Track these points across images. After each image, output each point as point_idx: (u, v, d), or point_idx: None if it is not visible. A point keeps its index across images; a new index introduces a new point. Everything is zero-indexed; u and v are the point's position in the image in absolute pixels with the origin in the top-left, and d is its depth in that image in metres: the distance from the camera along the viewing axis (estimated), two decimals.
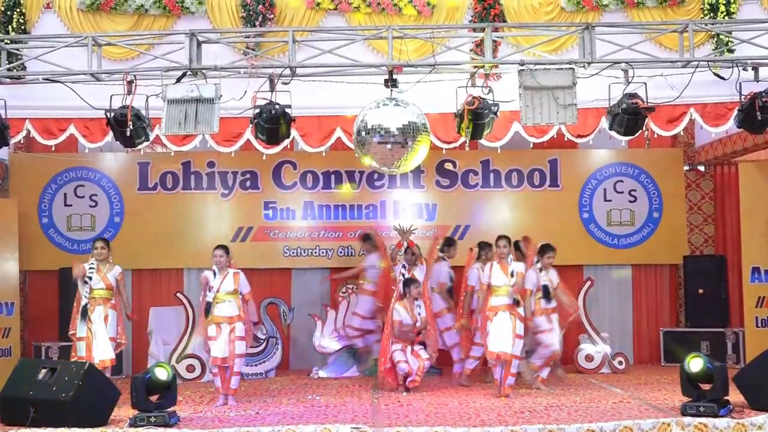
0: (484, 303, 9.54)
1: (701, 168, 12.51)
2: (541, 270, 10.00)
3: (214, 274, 9.18)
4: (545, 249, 10.14)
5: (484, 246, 10.56)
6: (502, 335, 9.21)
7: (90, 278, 9.04)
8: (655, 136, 10.10)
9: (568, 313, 10.49)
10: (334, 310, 11.45)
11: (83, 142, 9.82)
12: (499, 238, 9.60)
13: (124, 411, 8.19)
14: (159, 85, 8.31)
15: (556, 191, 12.38)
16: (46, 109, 9.50)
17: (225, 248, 9.37)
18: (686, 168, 12.49)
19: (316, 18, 9.64)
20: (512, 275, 9.35)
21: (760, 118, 8.32)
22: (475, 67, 8.70)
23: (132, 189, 12.19)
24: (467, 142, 9.27)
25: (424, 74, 8.61)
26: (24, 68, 8.95)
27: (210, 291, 9.13)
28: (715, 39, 9.28)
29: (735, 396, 8.08)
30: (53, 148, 10.04)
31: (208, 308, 9.11)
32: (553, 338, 9.89)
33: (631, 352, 12.24)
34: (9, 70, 8.74)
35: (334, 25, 9.48)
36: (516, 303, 9.32)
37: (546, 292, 9.96)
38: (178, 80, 8.37)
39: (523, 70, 8.29)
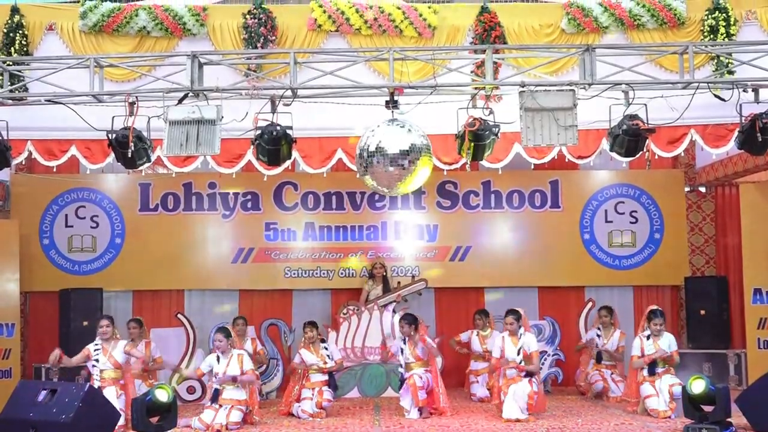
0: (495, 373, 9.46)
1: (702, 189, 12.51)
2: (648, 337, 9.37)
3: (218, 359, 8.95)
4: (653, 315, 9.46)
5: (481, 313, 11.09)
6: (518, 400, 8.83)
7: (97, 360, 8.74)
8: (656, 157, 10.12)
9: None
10: (334, 330, 11.39)
11: (85, 164, 9.85)
12: (508, 313, 9.37)
13: None
14: (161, 107, 8.32)
15: (557, 212, 12.37)
16: (47, 130, 9.52)
17: (226, 331, 9.11)
18: (687, 189, 12.49)
19: (318, 40, 9.67)
20: (519, 352, 9.06)
21: (760, 139, 8.33)
22: (476, 88, 8.72)
23: (133, 210, 12.19)
24: (468, 163, 9.30)
25: (425, 95, 8.61)
26: (26, 90, 8.95)
27: (215, 378, 8.88)
28: (716, 60, 9.31)
29: (737, 418, 8.04)
30: (55, 170, 10.09)
31: (215, 395, 8.84)
32: None
33: None
34: (11, 91, 8.77)
35: (335, 47, 9.51)
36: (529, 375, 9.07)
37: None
38: (180, 101, 8.39)
39: (524, 91, 8.30)
